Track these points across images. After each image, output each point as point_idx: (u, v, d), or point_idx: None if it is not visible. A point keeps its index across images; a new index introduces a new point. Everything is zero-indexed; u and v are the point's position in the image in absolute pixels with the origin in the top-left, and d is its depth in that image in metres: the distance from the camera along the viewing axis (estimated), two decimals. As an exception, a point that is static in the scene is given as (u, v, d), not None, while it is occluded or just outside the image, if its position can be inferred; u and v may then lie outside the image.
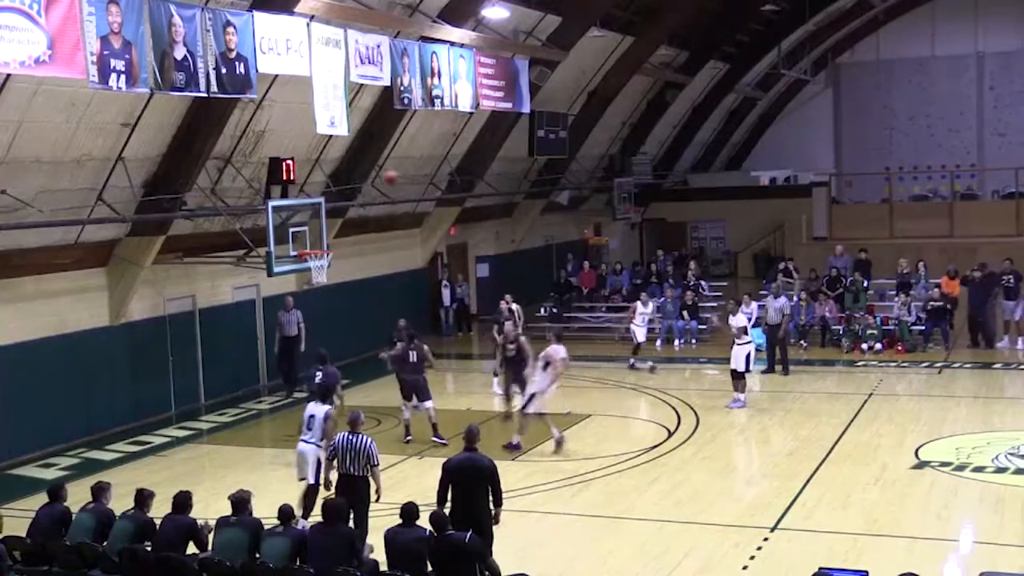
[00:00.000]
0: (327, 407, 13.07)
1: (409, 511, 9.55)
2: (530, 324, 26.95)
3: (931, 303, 23.10)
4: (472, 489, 10.37)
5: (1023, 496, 13.21)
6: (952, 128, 40.03)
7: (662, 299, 25.69)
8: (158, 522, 10.20)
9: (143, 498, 10.44)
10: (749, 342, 18.67)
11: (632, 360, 22.21)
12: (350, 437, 11.49)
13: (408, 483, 14.45)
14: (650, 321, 23.62)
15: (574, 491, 14.18)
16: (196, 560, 9.63)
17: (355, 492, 11.25)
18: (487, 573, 9.41)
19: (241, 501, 9.96)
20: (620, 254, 35.06)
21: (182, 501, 10.16)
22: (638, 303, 22.99)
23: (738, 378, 18.46)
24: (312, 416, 12.87)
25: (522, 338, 18.07)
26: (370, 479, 11.45)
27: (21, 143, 14.93)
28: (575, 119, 28.66)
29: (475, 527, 9.70)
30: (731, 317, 18.97)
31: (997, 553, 11.48)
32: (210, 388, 20.47)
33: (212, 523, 10.16)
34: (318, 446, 12.68)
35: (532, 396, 16.00)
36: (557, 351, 16.22)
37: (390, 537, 9.52)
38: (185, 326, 19.96)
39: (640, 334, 22.58)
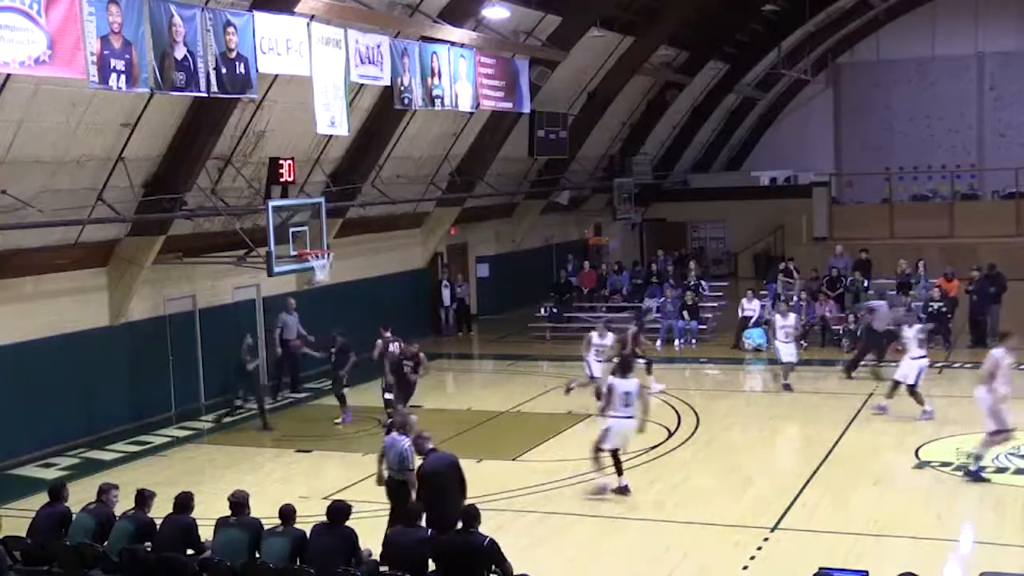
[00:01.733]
0: (635, 380, 13.93)
1: (410, 512, 9.54)
2: (530, 324, 27.06)
3: (931, 303, 23.09)
4: (445, 487, 10.66)
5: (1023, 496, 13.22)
6: (952, 128, 40.00)
7: (662, 299, 25.69)
8: (158, 522, 10.19)
9: (144, 499, 10.43)
10: (924, 356, 17.42)
11: (785, 382, 19.87)
12: (395, 437, 11.66)
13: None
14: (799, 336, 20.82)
15: (574, 491, 14.17)
16: (196, 560, 9.62)
17: (396, 495, 11.38)
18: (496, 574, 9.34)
19: (240, 502, 9.95)
20: (620, 254, 35.10)
21: (183, 502, 10.15)
22: (777, 315, 20.05)
23: (913, 393, 17.28)
24: (628, 392, 13.68)
25: (421, 354, 17.67)
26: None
27: (21, 143, 14.93)
28: (575, 119, 28.66)
29: (449, 525, 9.73)
30: (905, 329, 17.92)
31: (998, 553, 11.48)
32: (210, 388, 20.47)
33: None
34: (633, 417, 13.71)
35: (996, 411, 13.88)
36: (997, 355, 13.93)
37: (391, 538, 9.51)
38: (185, 326, 19.96)
39: (787, 352, 19.73)
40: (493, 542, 9.10)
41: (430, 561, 9.20)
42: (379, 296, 24.59)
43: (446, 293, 27.72)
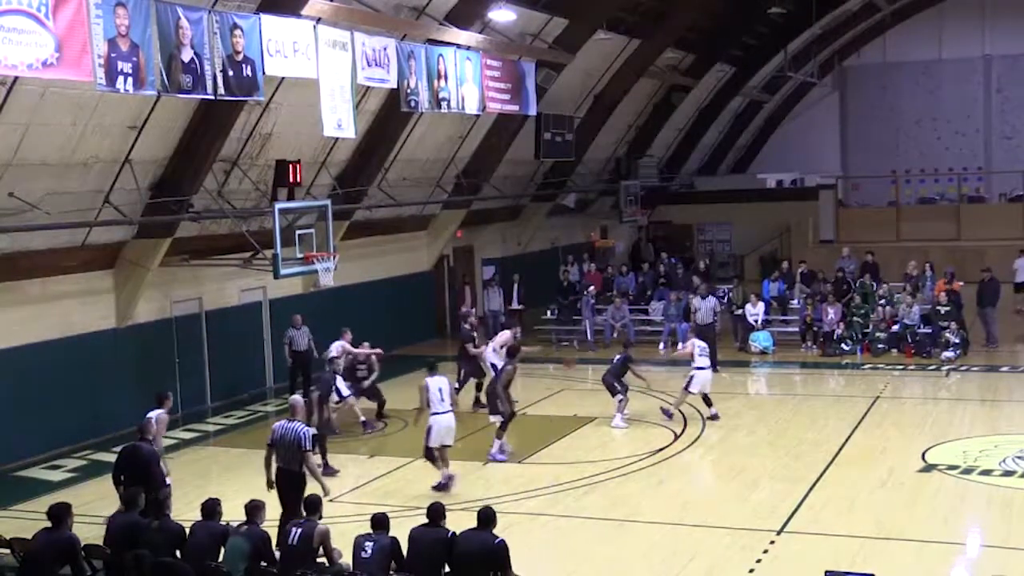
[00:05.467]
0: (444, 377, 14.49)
1: (434, 511, 9.60)
2: (536, 327, 27.05)
3: (937, 307, 23.06)
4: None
5: (1031, 499, 13.19)
6: (959, 131, 39.93)
7: (665, 301, 25.67)
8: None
9: (125, 498, 10.41)
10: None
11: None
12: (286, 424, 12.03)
13: (413, 485, 14.45)
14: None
15: (580, 494, 14.16)
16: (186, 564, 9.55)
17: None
18: None
19: (250, 509, 9.94)
20: (626, 256, 35.12)
21: (211, 508, 10.09)
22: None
23: None
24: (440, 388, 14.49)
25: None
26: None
27: (28, 145, 14.96)
28: (581, 122, 28.65)
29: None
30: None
31: (1005, 557, 11.45)
32: (216, 390, 20.47)
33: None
34: None
35: None
36: None
37: (414, 536, 9.57)
38: (191, 328, 19.97)
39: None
40: (504, 544, 9.19)
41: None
42: (385, 299, 24.59)
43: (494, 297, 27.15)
